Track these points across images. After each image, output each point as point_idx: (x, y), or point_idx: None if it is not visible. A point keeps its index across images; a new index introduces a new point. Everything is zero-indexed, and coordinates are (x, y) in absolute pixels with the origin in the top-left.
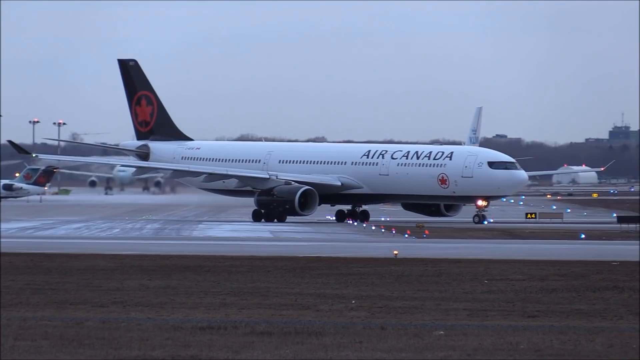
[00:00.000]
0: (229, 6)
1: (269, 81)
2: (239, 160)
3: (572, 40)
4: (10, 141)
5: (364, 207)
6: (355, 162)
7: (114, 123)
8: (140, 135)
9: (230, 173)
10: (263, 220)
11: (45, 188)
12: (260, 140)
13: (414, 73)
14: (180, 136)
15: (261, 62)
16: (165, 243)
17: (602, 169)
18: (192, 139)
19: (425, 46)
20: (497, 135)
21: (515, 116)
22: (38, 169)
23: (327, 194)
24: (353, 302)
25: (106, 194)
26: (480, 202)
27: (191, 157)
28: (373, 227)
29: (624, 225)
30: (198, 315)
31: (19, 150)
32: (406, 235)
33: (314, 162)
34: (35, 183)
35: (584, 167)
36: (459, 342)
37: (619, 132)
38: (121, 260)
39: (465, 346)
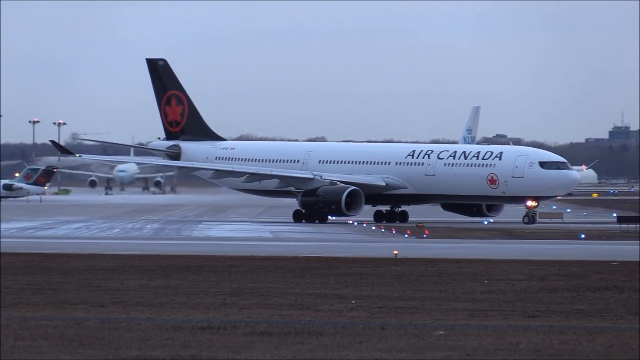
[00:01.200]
0: (228, 5)
1: (268, 81)
2: (276, 160)
3: (572, 40)
4: (53, 141)
5: (403, 207)
6: (400, 162)
7: (114, 123)
8: (170, 135)
9: (274, 173)
10: (304, 220)
11: (45, 188)
12: (259, 140)
13: (413, 72)
14: (212, 136)
15: (260, 62)
16: (165, 243)
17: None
18: (224, 139)
19: (424, 46)
20: (497, 135)
21: (515, 116)
22: (38, 169)
23: (371, 194)
24: (353, 302)
25: (106, 194)
26: (530, 203)
27: (225, 157)
28: (373, 227)
29: (624, 225)
30: (198, 315)
31: (62, 150)
32: (406, 235)
33: (356, 162)
34: (35, 183)
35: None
36: (459, 342)
37: (619, 132)
38: (121, 260)
39: (465, 346)
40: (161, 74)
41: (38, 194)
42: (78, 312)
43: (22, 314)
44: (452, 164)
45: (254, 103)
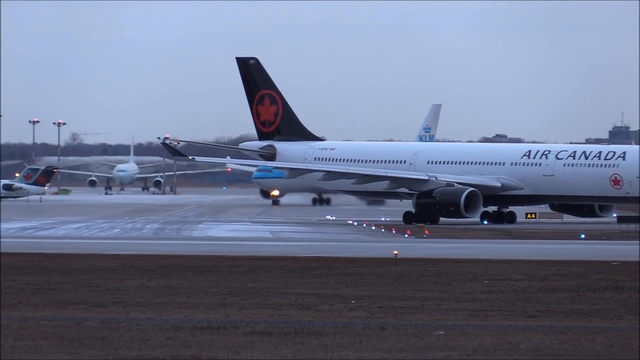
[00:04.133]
0: (228, 5)
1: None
2: (381, 161)
3: (572, 40)
4: (164, 143)
5: (510, 208)
6: (515, 163)
7: (114, 123)
8: (262, 136)
9: (389, 175)
10: (414, 222)
11: (45, 188)
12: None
13: (412, 72)
14: (309, 136)
15: (260, 61)
16: (165, 243)
17: None
18: (322, 139)
19: (424, 46)
20: (497, 135)
21: (515, 116)
22: (38, 169)
23: (486, 195)
24: (353, 302)
25: (106, 193)
26: None
27: (325, 158)
28: (373, 227)
29: (624, 225)
30: (198, 315)
31: (175, 153)
32: (406, 235)
33: (468, 162)
34: (35, 183)
35: None
36: (459, 342)
37: (619, 132)
38: (121, 260)
39: (465, 346)
40: (253, 73)
41: (38, 194)
42: (78, 312)
43: (22, 314)
44: (572, 164)
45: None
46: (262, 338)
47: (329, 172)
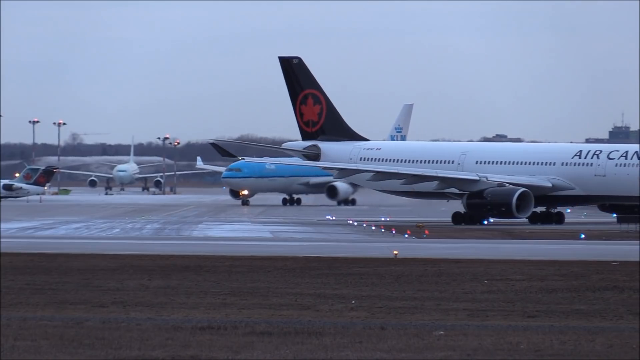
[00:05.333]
0: (227, 5)
1: (268, 81)
2: (428, 161)
3: (572, 41)
4: (213, 144)
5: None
6: (566, 163)
7: (114, 123)
8: (305, 136)
9: (439, 175)
10: (463, 223)
11: (45, 188)
12: (259, 140)
13: (412, 72)
14: (353, 136)
15: (260, 62)
16: (165, 243)
17: None
18: (367, 139)
19: (424, 46)
20: (497, 135)
21: (515, 116)
22: (38, 169)
23: (537, 196)
24: (353, 302)
25: (106, 194)
26: None
27: (371, 158)
28: (373, 227)
29: (624, 225)
30: (198, 315)
31: (224, 153)
32: (406, 235)
33: (517, 162)
34: (35, 183)
35: None
36: (459, 342)
37: (619, 132)
38: (121, 260)
39: (465, 346)
40: (296, 72)
41: (38, 194)
42: (78, 312)
43: (22, 314)
44: (625, 164)
45: (254, 103)
46: (262, 338)
47: (378, 172)
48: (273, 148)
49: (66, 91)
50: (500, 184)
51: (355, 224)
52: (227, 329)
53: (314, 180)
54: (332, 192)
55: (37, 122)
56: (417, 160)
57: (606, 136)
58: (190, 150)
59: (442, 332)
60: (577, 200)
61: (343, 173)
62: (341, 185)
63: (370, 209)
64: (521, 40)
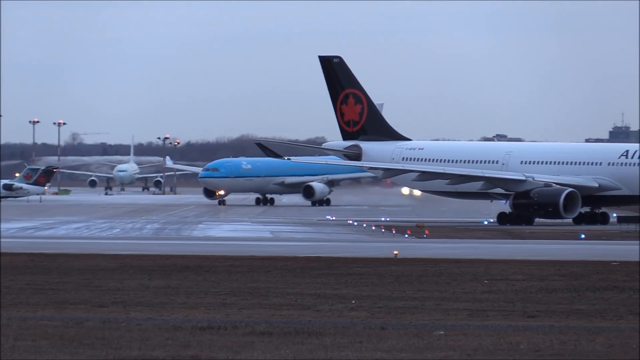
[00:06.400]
0: (227, 6)
1: (268, 81)
2: (472, 161)
3: (572, 41)
4: (259, 144)
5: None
6: (613, 163)
7: (114, 123)
8: (346, 135)
9: (485, 175)
10: (508, 224)
11: (45, 188)
12: (258, 140)
13: (412, 72)
14: (395, 136)
15: (261, 62)
16: (165, 243)
17: None
18: (409, 139)
19: (423, 46)
20: (497, 135)
21: (515, 116)
22: (38, 169)
23: (583, 196)
24: (353, 302)
25: (106, 194)
26: None
27: (414, 158)
28: (373, 227)
29: (624, 225)
30: (198, 315)
31: (269, 153)
32: (406, 235)
33: (563, 162)
34: (35, 183)
35: None
36: (459, 342)
37: (619, 132)
38: (121, 260)
39: (465, 346)
40: (337, 72)
41: (38, 194)
42: (78, 312)
43: (22, 314)
44: None
45: (254, 103)
46: (262, 338)
47: (424, 172)
48: (315, 148)
49: (66, 91)
50: (547, 184)
51: (355, 224)
52: (227, 329)
53: (289, 180)
54: (308, 192)
55: (37, 122)
56: (460, 160)
57: (606, 136)
58: (190, 150)
59: (442, 332)
60: (624, 201)
61: (388, 173)
62: (317, 186)
63: (370, 209)
64: (521, 40)
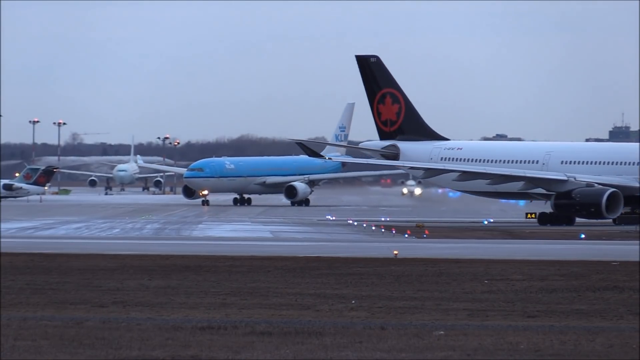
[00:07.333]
0: (226, 6)
1: (268, 81)
2: (511, 161)
3: (572, 41)
4: (299, 143)
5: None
6: None
7: (114, 123)
8: (383, 135)
9: (527, 175)
10: (548, 224)
11: (45, 188)
12: (259, 140)
13: (412, 73)
14: (433, 136)
15: (258, 64)
16: (165, 243)
17: None
18: (447, 139)
19: (424, 47)
20: (497, 135)
21: (515, 116)
22: (38, 169)
23: (625, 196)
24: (353, 302)
25: (106, 194)
26: None
27: (452, 158)
28: (373, 227)
29: (624, 225)
30: (198, 315)
31: (310, 152)
32: (406, 235)
33: (604, 162)
34: (35, 183)
35: None
36: (459, 342)
37: (619, 132)
38: (121, 260)
39: (465, 346)
40: (374, 71)
41: (38, 194)
42: (78, 312)
43: (22, 314)
44: None
45: (254, 103)
46: (262, 338)
47: (465, 172)
48: (352, 148)
49: (66, 91)
50: (589, 184)
51: (355, 224)
52: (227, 329)
53: (270, 180)
54: (291, 192)
55: (37, 122)
56: (499, 160)
57: (606, 136)
58: (190, 150)
59: (442, 332)
60: None
61: (429, 173)
62: (300, 186)
63: (370, 209)
64: (521, 41)
